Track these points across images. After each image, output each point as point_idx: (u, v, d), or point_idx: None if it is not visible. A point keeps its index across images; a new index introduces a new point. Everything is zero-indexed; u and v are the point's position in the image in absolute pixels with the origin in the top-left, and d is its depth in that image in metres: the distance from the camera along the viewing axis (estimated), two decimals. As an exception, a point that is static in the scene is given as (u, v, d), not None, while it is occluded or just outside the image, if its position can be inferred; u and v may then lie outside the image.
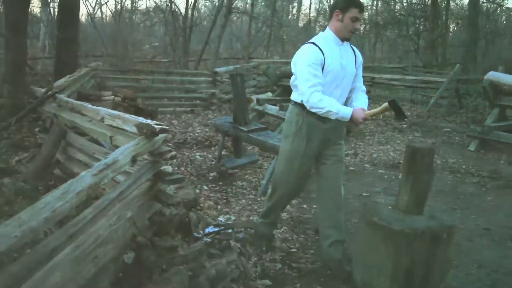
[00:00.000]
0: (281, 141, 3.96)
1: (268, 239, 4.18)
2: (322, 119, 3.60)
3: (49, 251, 2.38)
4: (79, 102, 5.24)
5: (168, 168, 3.98)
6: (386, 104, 3.45)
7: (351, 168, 7.00)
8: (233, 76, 6.70)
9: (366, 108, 3.62)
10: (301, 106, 3.64)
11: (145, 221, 3.65)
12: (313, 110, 3.48)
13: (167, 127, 3.61)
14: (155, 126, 3.44)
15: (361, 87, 3.84)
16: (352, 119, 3.46)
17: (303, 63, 3.49)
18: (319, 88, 3.44)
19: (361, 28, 27.61)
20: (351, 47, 3.77)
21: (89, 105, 4.83)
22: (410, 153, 3.24)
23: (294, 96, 3.74)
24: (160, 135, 3.56)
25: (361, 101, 3.68)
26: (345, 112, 3.44)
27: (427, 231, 3.08)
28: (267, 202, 4.10)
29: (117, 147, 3.72)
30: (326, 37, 3.59)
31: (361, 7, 3.51)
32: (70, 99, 5.74)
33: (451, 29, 29.86)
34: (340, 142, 3.89)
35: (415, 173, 3.22)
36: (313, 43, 3.53)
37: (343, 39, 3.60)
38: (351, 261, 3.68)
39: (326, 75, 3.50)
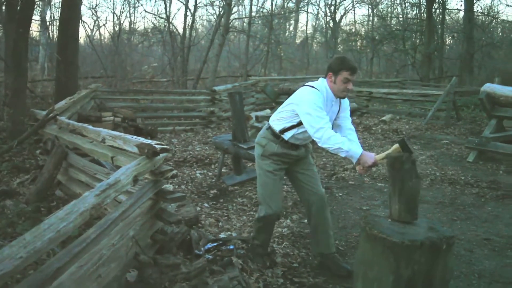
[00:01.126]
0: (256, 161, 4.13)
1: (267, 256, 4.22)
2: (293, 148, 3.95)
3: (53, 271, 2.42)
4: (80, 124, 5.30)
5: (169, 187, 4.03)
6: (396, 145, 3.50)
7: (350, 182, 7.04)
8: (232, 94, 6.78)
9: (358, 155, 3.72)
10: (276, 136, 3.93)
11: (148, 240, 3.70)
12: (323, 146, 3.59)
13: (168, 147, 3.67)
14: (156, 146, 3.50)
15: (349, 126, 4.01)
16: (359, 161, 3.56)
17: (312, 103, 3.64)
18: (329, 125, 3.62)
19: (359, 44, 27.93)
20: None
21: (90, 127, 4.89)
22: (390, 163, 3.31)
23: (275, 125, 3.95)
24: (161, 155, 3.62)
25: (355, 144, 3.80)
26: (355, 152, 3.54)
27: (426, 243, 3.10)
28: (257, 222, 4.18)
29: (118, 167, 3.77)
30: (327, 91, 3.78)
31: (352, 70, 3.70)
32: (71, 121, 5.80)
33: (447, 42, 30.12)
34: (309, 160, 4.17)
35: (399, 181, 3.28)
36: (318, 90, 3.74)
37: (336, 98, 3.84)
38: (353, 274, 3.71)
39: None
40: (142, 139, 3.71)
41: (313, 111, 3.60)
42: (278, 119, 3.93)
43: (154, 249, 3.74)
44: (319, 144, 3.61)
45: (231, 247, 4.19)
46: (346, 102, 4.02)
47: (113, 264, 3.10)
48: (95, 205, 2.76)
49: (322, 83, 3.82)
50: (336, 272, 4.06)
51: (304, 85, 3.90)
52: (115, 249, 3.10)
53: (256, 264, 4.04)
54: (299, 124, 3.77)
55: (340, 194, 6.46)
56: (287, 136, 3.88)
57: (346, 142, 3.55)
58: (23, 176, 6.30)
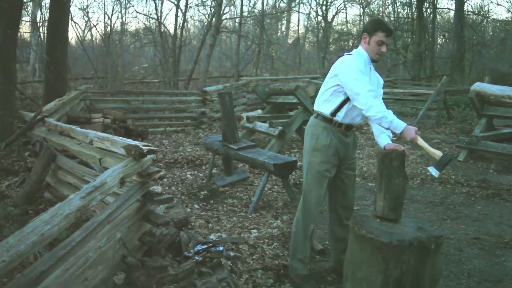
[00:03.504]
0: (304, 155, 3.89)
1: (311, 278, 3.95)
2: (345, 133, 3.75)
3: (37, 275, 2.39)
4: (68, 126, 5.26)
5: (157, 189, 4.00)
6: (439, 153, 3.46)
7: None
8: (222, 95, 6.76)
9: (390, 137, 3.68)
10: (328, 120, 3.72)
11: (135, 242, 3.68)
12: (368, 114, 3.44)
13: (155, 148, 3.64)
14: (143, 148, 3.48)
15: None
16: (402, 134, 3.42)
17: (355, 69, 3.50)
18: (373, 93, 3.46)
19: (350, 44, 27.97)
20: (376, 74, 3.86)
21: (78, 128, 4.86)
22: (380, 159, 3.31)
23: (323, 109, 3.75)
24: (149, 156, 3.60)
25: (383, 138, 3.69)
26: (399, 124, 3.39)
27: (415, 242, 3.11)
28: (301, 230, 3.87)
29: (106, 169, 3.74)
30: (361, 55, 3.67)
31: (388, 32, 3.60)
32: (59, 123, 5.76)
33: (438, 42, 30.26)
34: (355, 156, 3.99)
35: (387, 177, 3.27)
36: (356, 56, 3.65)
37: (372, 61, 3.71)
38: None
39: None
40: (129, 141, 3.69)
41: (354, 75, 3.46)
42: (325, 101, 3.73)
43: (142, 251, 3.72)
44: (363, 113, 3.48)
45: (221, 248, 4.17)
46: (381, 79, 3.90)
47: (100, 267, 3.08)
48: (81, 207, 2.73)
49: (358, 49, 3.71)
50: None
51: (342, 55, 3.76)
52: (101, 251, 3.07)
53: None
54: (348, 99, 3.60)
55: (331, 194, 6.45)
56: (340, 116, 3.68)
57: (391, 112, 3.42)
58: (12, 179, 6.25)
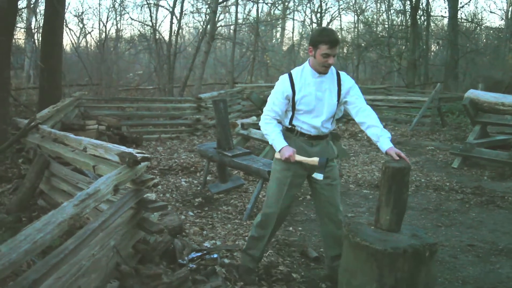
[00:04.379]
0: (270, 165, 4.08)
1: (254, 273, 4.07)
2: (309, 142, 3.77)
3: (29, 283, 2.36)
4: (61, 133, 5.25)
5: (151, 196, 3.99)
6: (316, 158, 3.67)
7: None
8: (216, 102, 6.75)
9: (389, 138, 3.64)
10: (290, 130, 3.81)
11: (129, 249, 3.65)
12: (261, 130, 3.84)
13: (149, 155, 3.62)
14: (137, 155, 3.46)
15: (365, 108, 3.80)
16: (281, 152, 3.69)
17: (273, 90, 3.78)
18: (272, 115, 3.76)
19: (345, 51, 28.08)
20: (338, 76, 3.77)
21: (72, 135, 4.84)
22: (391, 174, 3.28)
23: (284, 122, 3.87)
24: (142, 163, 3.58)
25: (383, 141, 3.58)
26: (278, 144, 3.72)
27: (409, 250, 3.10)
28: (254, 231, 4.01)
29: (100, 176, 3.72)
30: (304, 70, 3.71)
31: (331, 43, 3.50)
32: (53, 130, 5.74)
33: (432, 49, 30.41)
34: (331, 164, 3.91)
35: (396, 193, 3.27)
36: (289, 74, 3.75)
37: (319, 73, 3.66)
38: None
39: (300, 105, 3.69)
40: (123, 148, 3.67)
41: (269, 97, 3.80)
42: (285, 116, 3.87)
43: (136, 259, 3.69)
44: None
45: (215, 256, 4.15)
46: (348, 83, 3.77)
47: (94, 275, 3.05)
48: (74, 215, 2.72)
49: (301, 65, 3.80)
50: None
51: None
52: (95, 259, 3.05)
53: (246, 283, 3.90)
54: (293, 107, 3.71)
55: (326, 201, 6.44)
56: (299, 125, 3.75)
57: (276, 134, 3.73)
58: (5, 186, 6.22)
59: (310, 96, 3.65)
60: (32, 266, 2.86)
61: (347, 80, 3.78)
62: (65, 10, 12.91)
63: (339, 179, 4.07)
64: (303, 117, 3.72)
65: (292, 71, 3.76)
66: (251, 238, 4.05)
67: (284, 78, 3.73)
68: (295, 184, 3.88)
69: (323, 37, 3.52)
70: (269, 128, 3.75)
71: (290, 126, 3.79)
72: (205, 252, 4.23)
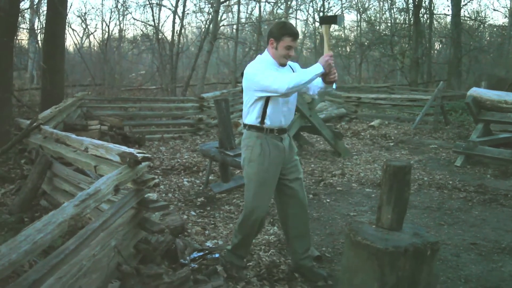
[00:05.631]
0: (243, 168, 3.93)
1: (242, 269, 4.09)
2: (279, 138, 3.79)
3: (29, 284, 2.37)
4: (63, 133, 5.25)
5: (152, 196, 4.00)
6: (324, 28, 3.63)
7: (338, 188, 7.02)
8: (218, 101, 6.75)
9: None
10: (259, 128, 3.75)
11: (131, 249, 3.66)
12: (293, 89, 3.49)
13: (150, 155, 3.63)
14: (138, 155, 3.47)
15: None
16: (323, 67, 3.49)
17: (257, 72, 3.61)
18: (283, 76, 3.55)
19: (348, 50, 28.04)
20: (290, 66, 3.88)
21: (73, 136, 4.85)
22: (392, 172, 3.29)
23: (250, 120, 3.79)
24: (143, 163, 3.59)
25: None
26: (315, 68, 3.49)
27: (410, 249, 3.10)
28: (239, 232, 3.98)
29: (102, 176, 3.73)
30: (266, 61, 3.72)
31: (294, 36, 3.63)
32: (55, 130, 5.75)
33: (435, 47, 30.35)
34: (295, 158, 3.99)
35: (397, 191, 3.26)
36: (255, 61, 3.76)
37: (280, 65, 3.73)
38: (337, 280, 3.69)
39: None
40: (124, 148, 3.68)
41: (260, 76, 3.56)
42: (248, 113, 3.79)
43: (137, 259, 3.70)
44: (288, 90, 3.48)
45: (217, 255, 4.15)
46: (296, 66, 3.93)
47: (95, 275, 3.06)
48: (74, 215, 2.72)
49: (259, 58, 3.80)
50: (311, 280, 4.00)
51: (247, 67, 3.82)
52: (96, 259, 3.06)
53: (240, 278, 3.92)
54: (267, 100, 3.67)
55: (328, 200, 6.44)
56: (267, 122, 3.71)
57: (302, 71, 3.58)
58: (8, 186, 6.24)
59: None
60: (33, 267, 2.87)
61: (298, 68, 3.92)
62: (68, 11, 12.95)
63: (302, 174, 4.09)
64: (274, 107, 3.70)
65: (258, 62, 3.73)
66: (240, 240, 3.99)
67: (255, 63, 3.73)
68: (274, 182, 3.88)
69: (287, 30, 3.63)
70: (296, 75, 3.56)
71: (259, 124, 3.75)
72: (207, 251, 4.23)
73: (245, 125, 3.86)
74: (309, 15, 32.74)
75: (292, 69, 3.86)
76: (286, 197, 3.97)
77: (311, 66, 3.52)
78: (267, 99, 3.67)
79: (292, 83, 3.45)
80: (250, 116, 3.77)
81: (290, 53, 3.66)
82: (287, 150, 3.86)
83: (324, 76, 3.57)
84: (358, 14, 29.81)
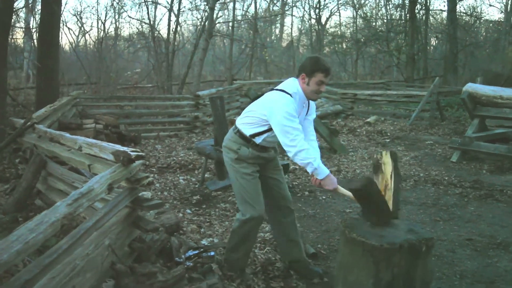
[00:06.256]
0: (229, 167, 3.90)
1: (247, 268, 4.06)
2: (263, 150, 3.80)
3: (21, 284, 2.35)
4: (57, 132, 5.23)
5: (147, 194, 3.98)
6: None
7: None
8: (213, 99, 6.74)
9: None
10: (246, 139, 3.75)
11: (125, 248, 3.64)
12: (293, 159, 3.50)
13: (143, 154, 3.61)
14: (131, 153, 3.45)
15: (312, 133, 3.94)
16: (323, 181, 3.52)
17: (284, 111, 3.48)
18: (302, 136, 3.51)
19: (344, 46, 28.05)
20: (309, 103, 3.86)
21: (67, 135, 4.83)
22: (357, 196, 3.33)
23: (244, 128, 3.78)
24: (137, 162, 3.57)
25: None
26: (322, 171, 3.49)
27: (405, 245, 3.09)
28: (239, 230, 3.88)
29: (96, 175, 3.71)
30: (300, 95, 3.65)
31: (327, 72, 3.59)
32: (49, 129, 5.72)
33: (431, 43, 30.37)
34: (277, 163, 4.05)
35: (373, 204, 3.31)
36: (290, 96, 3.58)
37: (308, 100, 3.75)
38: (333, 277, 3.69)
39: None
40: (117, 147, 3.66)
41: (286, 121, 3.45)
42: (248, 124, 3.75)
43: (132, 257, 3.68)
44: (289, 156, 3.51)
45: (212, 253, 4.14)
46: (313, 104, 3.91)
47: (89, 274, 3.05)
48: (67, 214, 2.71)
49: (294, 85, 3.67)
50: (306, 277, 4.01)
51: (273, 89, 3.73)
52: (89, 259, 3.04)
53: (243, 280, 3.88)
54: (271, 129, 3.63)
55: (324, 197, 6.43)
56: (258, 140, 3.73)
57: (318, 158, 3.51)
58: (2, 186, 6.21)
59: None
60: (26, 267, 2.86)
61: (312, 102, 3.90)
62: (62, 9, 12.91)
63: (281, 167, 4.13)
64: (273, 136, 3.68)
65: (292, 94, 3.59)
66: (240, 245, 3.92)
67: (290, 99, 3.57)
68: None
69: (320, 66, 3.57)
70: (309, 154, 3.47)
71: (248, 137, 3.74)
72: (202, 250, 4.22)
73: (236, 126, 3.87)
74: (305, 12, 32.77)
75: (309, 107, 3.83)
76: (272, 188, 4.00)
77: (322, 165, 3.50)
78: (271, 128, 3.64)
79: (296, 157, 3.47)
80: (247, 127, 3.76)
81: (321, 88, 3.63)
82: (271, 159, 3.93)
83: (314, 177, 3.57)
84: (354, 11, 29.80)
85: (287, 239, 4.07)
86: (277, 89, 3.68)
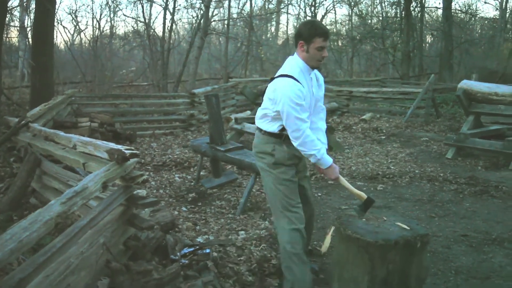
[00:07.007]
0: (266, 173, 3.65)
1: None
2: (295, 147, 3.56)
3: (15, 283, 2.35)
4: (52, 131, 5.22)
5: (142, 192, 3.97)
6: (364, 195, 3.58)
7: (329, 182, 7.00)
8: (208, 97, 6.72)
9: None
10: (278, 135, 3.55)
11: (120, 246, 3.63)
12: (298, 147, 3.41)
13: (138, 152, 3.60)
14: (126, 151, 3.43)
15: (322, 107, 3.80)
16: (326, 170, 3.50)
17: (290, 100, 3.31)
18: (308, 125, 3.41)
19: (339, 44, 28.06)
20: (315, 75, 3.68)
21: (62, 133, 4.81)
22: None
23: (267, 127, 3.59)
24: (132, 160, 3.56)
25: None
26: (326, 161, 3.45)
27: (400, 241, 3.10)
28: (293, 249, 3.56)
29: (91, 173, 3.70)
30: (300, 68, 3.45)
31: (326, 35, 3.38)
32: (43, 128, 5.71)
33: (427, 40, 30.41)
34: (305, 165, 3.91)
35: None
36: (293, 78, 3.37)
37: (312, 68, 3.52)
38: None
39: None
40: (112, 145, 3.65)
41: (291, 110, 3.30)
42: (270, 120, 3.55)
43: (127, 255, 3.68)
44: (294, 145, 3.41)
45: (207, 251, 4.13)
46: (321, 76, 3.71)
47: (83, 273, 3.04)
48: (61, 213, 2.69)
49: (294, 63, 3.47)
50: None
51: (279, 76, 3.45)
52: (84, 257, 3.03)
53: None
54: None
55: (319, 194, 6.44)
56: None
57: (322, 148, 3.43)
58: (-3, 185, 6.18)
59: (309, 93, 3.49)
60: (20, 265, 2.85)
61: (319, 74, 3.73)
62: (57, 7, 12.87)
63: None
64: None
65: (293, 75, 3.38)
66: (294, 273, 3.58)
67: (292, 82, 3.36)
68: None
69: (317, 30, 3.37)
70: (314, 145, 3.39)
71: (277, 132, 3.54)
72: (197, 247, 4.21)
73: (259, 128, 3.67)
74: (300, 10, 32.73)
75: (317, 79, 3.65)
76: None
77: (326, 155, 3.46)
78: None
79: (301, 146, 3.39)
80: (268, 125, 3.58)
81: (323, 54, 3.42)
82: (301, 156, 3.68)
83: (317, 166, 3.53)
84: (350, 8, 29.76)
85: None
86: (280, 75, 3.45)
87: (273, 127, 3.55)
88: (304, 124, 3.36)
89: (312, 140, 3.39)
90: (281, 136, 3.55)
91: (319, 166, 3.49)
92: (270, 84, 3.53)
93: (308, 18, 29.13)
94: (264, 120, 3.62)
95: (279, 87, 3.39)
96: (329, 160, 3.47)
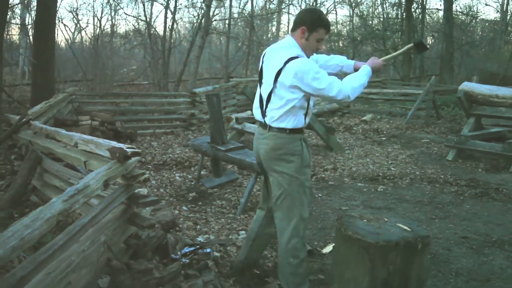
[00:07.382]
0: (292, 179, 3.36)
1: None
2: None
3: (16, 280, 2.34)
4: (53, 128, 5.21)
5: (143, 191, 3.97)
6: (410, 44, 3.73)
7: (330, 182, 7.02)
8: (209, 97, 6.72)
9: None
10: (299, 131, 3.36)
11: (121, 245, 3.64)
12: (353, 96, 3.22)
13: (139, 150, 3.60)
14: (127, 150, 3.44)
15: (328, 58, 3.77)
16: (374, 69, 3.47)
17: (313, 72, 3.13)
18: (337, 81, 3.20)
19: (340, 45, 28.05)
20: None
21: (63, 131, 4.81)
22: None
23: (289, 123, 3.31)
24: (133, 158, 3.56)
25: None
26: (368, 73, 3.40)
27: (401, 243, 3.11)
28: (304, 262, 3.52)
29: (92, 171, 3.70)
30: (300, 51, 3.30)
31: (328, 29, 3.33)
32: (44, 126, 5.70)
33: (428, 42, 30.40)
34: None
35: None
36: (306, 60, 3.24)
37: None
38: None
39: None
40: (113, 143, 3.65)
41: (323, 81, 3.13)
42: (288, 116, 3.29)
43: (128, 254, 3.68)
44: (350, 99, 3.23)
45: (208, 250, 4.14)
46: (320, 57, 3.72)
47: (84, 271, 3.03)
48: (63, 211, 2.69)
49: (294, 44, 3.32)
50: None
51: (289, 60, 3.18)
52: (85, 255, 3.03)
53: None
54: (308, 103, 3.33)
55: (320, 195, 6.44)
56: (307, 120, 3.39)
57: (357, 76, 3.31)
58: (-2, 182, 6.18)
59: None
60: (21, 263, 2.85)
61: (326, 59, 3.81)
62: (58, 5, 12.86)
63: None
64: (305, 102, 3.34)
65: (299, 54, 3.22)
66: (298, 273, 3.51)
67: (307, 59, 3.25)
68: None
69: (323, 21, 3.28)
70: (352, 80, 3.26)
71: (300, 126, 3.34)
72: (198, 246, 4.22)
73: (283, 129, 3.33)
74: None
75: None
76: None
77: (362, 69, 3.41)
78: (308, 101, 3.33)
79: (358, 91, 3.25)
80: (290, 120, 3.31)
81: (319, 46, 3.35)
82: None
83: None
84: (351, 9, 29.77)
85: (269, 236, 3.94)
86: (291, 58, 3.19)
87: (300, 120, 3.33)
88: (336, 83, 3.18)
89: (347, 82, 3.25)
90: (302, 130, 3.38)
91: (368, 75, 3.42)
92: (290, 70, 3.17)
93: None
94: (286, 117, 3.30)
95: (302, 69, 3.15)
96: (366, 70, 3.41)
